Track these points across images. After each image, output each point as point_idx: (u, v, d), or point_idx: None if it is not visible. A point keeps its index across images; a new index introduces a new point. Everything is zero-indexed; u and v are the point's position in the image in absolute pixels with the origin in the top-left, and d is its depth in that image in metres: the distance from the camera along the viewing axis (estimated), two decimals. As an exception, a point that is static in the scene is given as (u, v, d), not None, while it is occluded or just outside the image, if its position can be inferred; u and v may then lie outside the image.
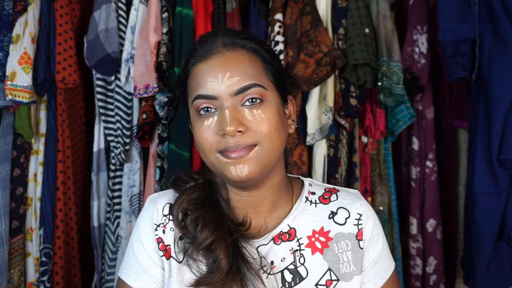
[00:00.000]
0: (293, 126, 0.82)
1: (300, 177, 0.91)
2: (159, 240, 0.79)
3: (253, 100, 0.73)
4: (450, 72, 1.72)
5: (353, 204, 0.85)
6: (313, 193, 0.87)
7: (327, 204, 0.85)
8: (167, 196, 0.84)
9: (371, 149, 1.78)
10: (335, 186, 0.90)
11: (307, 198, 0.85)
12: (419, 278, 1.90)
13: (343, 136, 1.75)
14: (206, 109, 0.73)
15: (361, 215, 0.84)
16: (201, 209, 0.78)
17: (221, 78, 0.72)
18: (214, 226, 0.76)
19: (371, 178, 1.80)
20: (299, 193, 0.86)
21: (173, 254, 0.79)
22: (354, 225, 0.83)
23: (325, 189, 0.88)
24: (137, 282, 0.80)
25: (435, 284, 1.88)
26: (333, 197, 0.86)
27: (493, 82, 1.61)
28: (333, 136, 1.75)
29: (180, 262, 0.78)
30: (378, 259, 0.84)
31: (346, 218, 0.84)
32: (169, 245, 0.79)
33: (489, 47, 1.62)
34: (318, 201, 0.85)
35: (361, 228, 0.83)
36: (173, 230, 0.80)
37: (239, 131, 0.71)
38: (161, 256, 0.79)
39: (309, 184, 0.88)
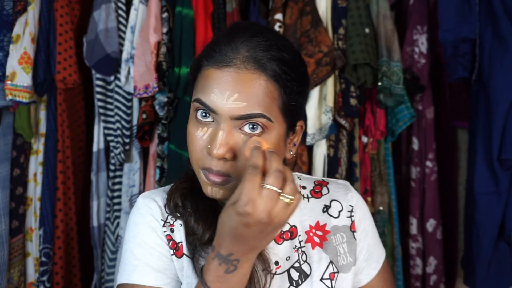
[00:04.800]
0: (291, 153, 0.76)
1: None
2: (169, 238, 0.76)
3: (254, 127, 0.67)
4: (450, 72, 1.72)
5: (345, 196, 0.86)
6: (304, 187, 0.86)
7: (319, 198, 0.85)
8: (161, 194, 0.81)
9: (371, 149, 1.78)
10: (323, 178, 0.90)
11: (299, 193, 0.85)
12: (419, 278, 1.90)
13: (343, 136, 1.75)
14: (203, 114, 0.70)
15: (352, 206, 0.85)
16: (194, 199, 0.77)
17: (227, 97, 0.66)
18: (209, 218, 0.74)
19: (371, 178, 1.80)
20: None
21: (185, 251, 0.76)
22: (347, 217, 0.84)
23: (314, 182, 0.88)
24: (158, 280, 0.73)
25: (435, 284, 1.88)
26: (324, 190, 0.87)
27: (493, 82, 1.61)
28: (333, 136, 1.74)
29: (192, 258, 0.75)
30: (370, 249, 0.86)
31: (339, 211, 0.84)
32: (181, 242, 0.77)
33: (489, 47, 1.62)
34: (310, 195, 0.86)
35: (354, 220, 0.84)
36: (181, 225, 0.77)
37: (225, 158, 0.68)
38: (172, 254, 0.76)
39: (298, 177, 0.88)
